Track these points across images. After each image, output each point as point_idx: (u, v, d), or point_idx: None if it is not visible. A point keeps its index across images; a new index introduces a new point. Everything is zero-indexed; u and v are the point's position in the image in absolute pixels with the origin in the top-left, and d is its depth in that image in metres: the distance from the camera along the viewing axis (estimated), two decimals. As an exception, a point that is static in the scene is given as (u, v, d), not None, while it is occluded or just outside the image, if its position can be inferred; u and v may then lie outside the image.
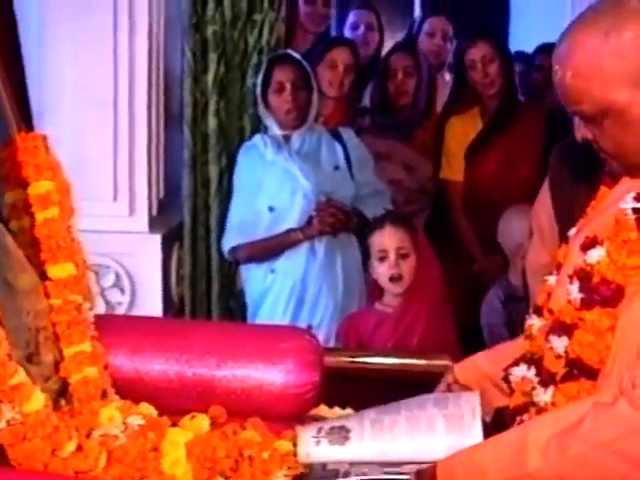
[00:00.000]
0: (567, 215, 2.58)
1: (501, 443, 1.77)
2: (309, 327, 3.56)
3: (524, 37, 5.99)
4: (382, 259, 3.32)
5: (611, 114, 1.72)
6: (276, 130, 3.74)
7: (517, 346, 2.05)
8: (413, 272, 3.31)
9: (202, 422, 2.17)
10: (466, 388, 2.11)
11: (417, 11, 7.45)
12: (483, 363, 2.15)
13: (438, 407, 1.95)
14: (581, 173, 2.51)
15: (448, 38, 4.78)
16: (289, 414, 2.36)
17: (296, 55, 3.79)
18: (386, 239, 3.32)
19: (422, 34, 4.79)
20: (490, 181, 4.12)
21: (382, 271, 3.33)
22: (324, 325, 3.65)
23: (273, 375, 2.41)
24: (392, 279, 3.31)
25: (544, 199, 2.78)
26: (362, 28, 4.77)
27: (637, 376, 1.63)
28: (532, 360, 1.94)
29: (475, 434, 1.88)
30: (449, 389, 2.15)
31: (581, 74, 1.72)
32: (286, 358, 2.42)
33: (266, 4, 3.80)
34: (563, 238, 2.57)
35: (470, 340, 3.37)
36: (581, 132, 1.79)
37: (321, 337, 3.53)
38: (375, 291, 3.43)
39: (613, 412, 1.63)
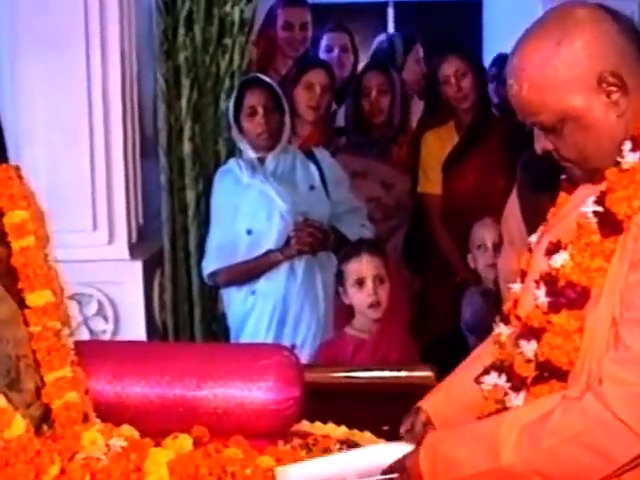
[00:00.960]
0: (534, 223, 2.63)
1: (475, 437, 1.80)
2: (292, 347, 3.59)
3: (499, 47, 6.04)
4: (360, 286, 3.34)
5: (569, 121, 1.76)
6: (250, 153, 3.76)
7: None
8: (388, 297, 3.35)
9: (184, 442, 2.19)
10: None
11: (390, 29, 7.51)
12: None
13: None
14: (545, 182, 2.56)
15: (419, 62, 4.84)
16: (271, 430, 2.38)
17: (266, 78, 3.82)
18: (364, 267, 3.35)
19: (411, 62, 4.82)
20: (468, 193, 4.16)
21: (361, 298, 3.35)
22: (308, 344, 3.67)
23: (253, 393, 2.43)
24: (371, 305, 3.34)
25: (513, 207, 2.83)
26: (336, 50, 4.82)
27: (603, 372, 1.67)
28: (502, 367, 1.97)
29: None
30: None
31: (536, 85, 1.76)
32: (266, 375, 2.45)
33: (236, 28, 3.84)
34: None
35: (453, 351, 3.40)
36: (541, 144, 1.83)
37: (305, 356, 3.57)
38: (343, 315, 3.45)
39: (581, 406, 1.67)
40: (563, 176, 1.96)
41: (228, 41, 3.85)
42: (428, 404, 2.12)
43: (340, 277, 3.41)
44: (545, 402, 1.75)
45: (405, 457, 1.87)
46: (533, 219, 2.67)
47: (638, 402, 1.64)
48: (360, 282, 3.33)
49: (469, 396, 2.05)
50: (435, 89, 4.31)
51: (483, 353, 2.10)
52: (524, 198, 2.78)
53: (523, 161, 2.89)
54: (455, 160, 4.23)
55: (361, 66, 4.83)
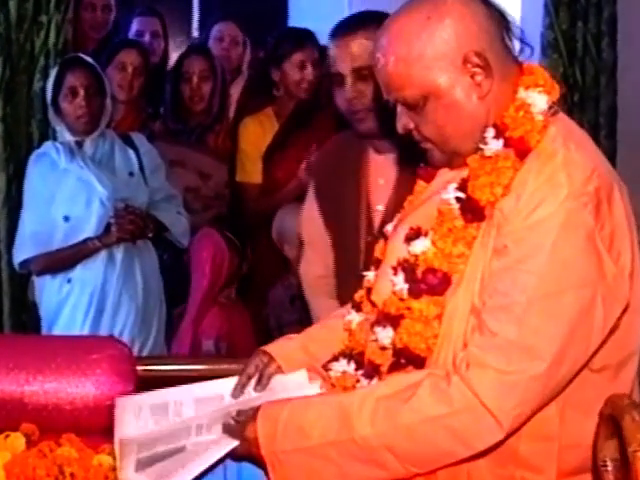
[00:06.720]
0: (338, 222, 2.64)
1: (324, 406, 1.77)
2: (100, 336, 3.45)
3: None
4: None
5: (432, 98, 1.76)
6: (67, 136, 3.59)
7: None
8: None
9: (17, 441, 2.08)
10: None
11: (196, 15, 7.41)
12: (311, 347, 2.09)
13: None
14: (346, 178, 2.59)
15: (237, 44, 4.73)
16: (105, 427, 2.26)
17: (88, 59, 3.65)
18: None
19: (211, 39, 4.73)
20: (292, 181, 4.09)
21: None
22: (126, 333, 3.54)
23: (85, 387, 2.31)
24: None
25: (311, 209, 2.77)
26: (147, 36, 4.70)
27: (470, 357, 1.67)
28: (352, 355, 1.95)
29: None
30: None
31: (402, 59, 1.75)
32: (98, 369, 2.33)
33: (52, 6, 3.68)
34: (338, 246, 2.63)
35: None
36: (402, 122, 1.81)
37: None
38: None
39: (448, 388, 1.66)
40: (421, 164, 1.95)
41: (44, 18, 3.68)
42: (277, 353, 2.05)
43: None
44: (401, 379, 1.74)
45: (243, 425, 1.81)
46: (336, 219, 2.68)
47: (503, 389, 1.65)
48: None
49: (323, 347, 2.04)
50: (269, 75, 4.20)
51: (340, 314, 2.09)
52: (322, 197, 2.75)
53: (312, 163, 2.87)
54: (277, 148, 4.15)
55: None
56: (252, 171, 4.19)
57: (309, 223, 2.80)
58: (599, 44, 3.87)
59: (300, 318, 3.57)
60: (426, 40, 1.73)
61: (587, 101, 3.88)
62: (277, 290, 3.81)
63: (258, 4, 7.23)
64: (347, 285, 2.63)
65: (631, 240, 1.73)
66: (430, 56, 1.73)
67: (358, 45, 2.50)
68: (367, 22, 2.55)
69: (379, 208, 2.62)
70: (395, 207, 2.52)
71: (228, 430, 1.84)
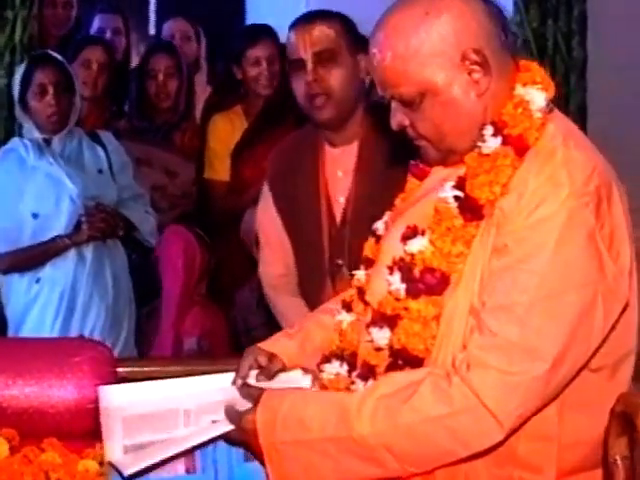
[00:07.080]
0: (298, 218, 2.62)
1: (324, 401, 1.76)
2: (80, 337, 3.40)
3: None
4: None
5: (429, 95, 1.73)
6: (35, 134, 3.53)
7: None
8: None
9: (1, 447, 2.04)
10: None
11: (152, 14, 7.35)
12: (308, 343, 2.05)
13: None
14: (302, 174, 2.57)
15: (189, 39, 4.69)
16: (88, 431, 2.22)
17: (58, 56, 3.58)
18: None
19: (163, 38, 4.72)
20: (261, 179, 4.05)
21: None
22: (96, 333, 3.48)
23: (67, 390, 2.27)
24: None
25: (267, 209, 2.75)
26: (109, 33, 4.65)
27: (470, 358, 1.65)
28: (344, 356, 1.92)
29: None
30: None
31: (400, 55, 1.72)
32: (79, 372, 2.29)
33: (18, 1, 3.63)
34: (299, 243, 2.60)
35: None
36: (397, 119, 1.78)
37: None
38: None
39: (448, 388, 1.65)
40: (413, 161, 1.93)
41: (9, 14, 3.63)
42: (280, 353, 2.00)
43: None
44: (401, 377, 1.72)
45: (242, 414, 1.79)
46: (295, 213, 2.66)
47: (506, 390, 1.63)
48: None
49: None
50: (233, 72, 4.17)
51: (330, 307, 2.08)
52: (278, 196, 2.73)
53: (274, 156, 2.85)
54: (246, 146, 4.11)
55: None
56: (220, 169, 4.15)
57: (266, 223, 2.78)
58: (569, 42, 3.89)
59: (267, 320, 3.57)
60: (424, 36, 1.70)
61: (557, 100, 3.87)
62: (244, 292, 3.79)
63: (215, 3, 7.21)
64: (311, 280, 2.65)
65: (629, 239, 1.73)
66: (427, 53, 1.71)
67: (319, 30, 2.55)
68: (327, 15, 2.62)
69: (340, 200, 2.63)
70: (356, 198, 2.59)
71: (229, 414, 1.81)
